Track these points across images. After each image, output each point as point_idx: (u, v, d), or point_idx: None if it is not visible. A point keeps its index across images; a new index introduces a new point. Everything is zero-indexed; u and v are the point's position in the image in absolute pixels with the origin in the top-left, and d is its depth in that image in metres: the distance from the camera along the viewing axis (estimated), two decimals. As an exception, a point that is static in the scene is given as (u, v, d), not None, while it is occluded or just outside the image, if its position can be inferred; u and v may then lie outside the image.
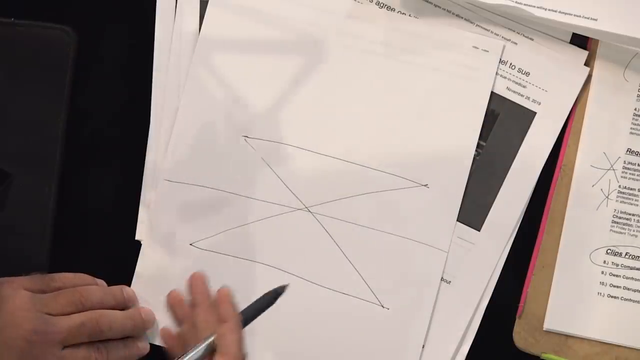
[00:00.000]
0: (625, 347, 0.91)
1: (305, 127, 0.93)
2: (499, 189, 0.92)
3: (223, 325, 0.83)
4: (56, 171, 0.93)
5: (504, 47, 0.93)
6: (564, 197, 0.92)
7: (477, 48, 0.93)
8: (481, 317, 0.92)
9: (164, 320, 0.92)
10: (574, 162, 0.92)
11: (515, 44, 0.93)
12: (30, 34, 0.94)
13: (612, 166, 0.92)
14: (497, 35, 0.93)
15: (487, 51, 0.93)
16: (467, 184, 0.92)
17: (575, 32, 0.93)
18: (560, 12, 0.92)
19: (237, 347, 0.82)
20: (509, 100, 0.93)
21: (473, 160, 0.92)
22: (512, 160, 0.92)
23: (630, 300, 0.91)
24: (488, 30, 0.94)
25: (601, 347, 0.91)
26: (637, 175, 0.92)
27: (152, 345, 0.91)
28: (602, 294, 0.91)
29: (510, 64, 0.93)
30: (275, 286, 0.86)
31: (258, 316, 0.85)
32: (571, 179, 0.92)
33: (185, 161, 0.93)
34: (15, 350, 0.84)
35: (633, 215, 0.91)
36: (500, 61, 0.93)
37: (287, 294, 0.90)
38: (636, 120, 0.92)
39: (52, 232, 0.93)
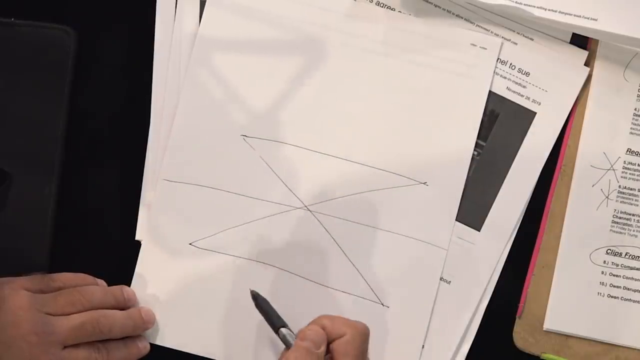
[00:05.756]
0: (625, 347, 0.91)
1: (304, 126, 0.93)
2: (499, 189, 0.92)
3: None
4: (56, 171, 0.93)
5: (502, 43, 0.93)
6: (564, 197, 0.92)
7: (475, 45, 0.93)
8: (481, 317, 0.92)
9: (164, 320, 0.92)
10: (574, 162, 0.92)
11: (515, 44, 0.93)
12: (30, 34, 0.94)
13: (612, 166, 0.92)
14: (497, 35, 0.93)
15: (485, 48, 0.93)
16: (467, 184, 0.92)
17: (575, 32, 0.93)
18: (560, 12, 0.92)
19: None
20: (509, 100, 0.93)
21: (473, 161, 0.92)
22: (512, 160, 0.92)
23: (630, 300, 0.91)
24: (488, 31, 0.94)
25: (601, 347, 0.91)
26: (637, 175, 0.92)
27: (152, 345, 0.91)
28: (602, 294, 0.91)
29: (510, 64, 0.93)
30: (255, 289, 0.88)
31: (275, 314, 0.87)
32: (571, 179, 0.92)
33: (183, 161, 0.93)
34: (15, 350, 0.84)
35: (633, 215, 0.91)
36: (501, 61, 0.93)
37: (288, 293, 0.91)
38: (636, 120, 0.92)
39: (52, 232, 0.93)
